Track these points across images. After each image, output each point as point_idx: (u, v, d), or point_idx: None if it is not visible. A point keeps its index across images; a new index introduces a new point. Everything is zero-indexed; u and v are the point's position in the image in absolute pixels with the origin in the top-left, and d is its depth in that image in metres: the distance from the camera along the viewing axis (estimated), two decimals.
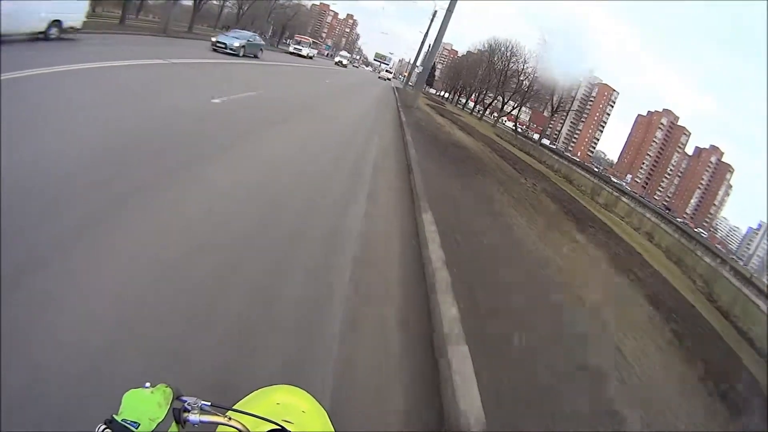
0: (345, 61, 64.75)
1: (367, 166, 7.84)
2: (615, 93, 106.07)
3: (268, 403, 1.32)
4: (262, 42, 24.97)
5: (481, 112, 58.50)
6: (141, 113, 6.35)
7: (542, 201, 9.52)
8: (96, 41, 12.30)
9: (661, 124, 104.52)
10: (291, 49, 44.89)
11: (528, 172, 14.65)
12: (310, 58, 47.52)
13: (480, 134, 23.96)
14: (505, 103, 49.08)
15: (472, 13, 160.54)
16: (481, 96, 55.68)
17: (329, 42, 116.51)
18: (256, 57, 22.83)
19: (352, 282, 3.73)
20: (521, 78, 46.30)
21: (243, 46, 20.85)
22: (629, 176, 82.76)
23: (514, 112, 51.05)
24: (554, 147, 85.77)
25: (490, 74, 51.04)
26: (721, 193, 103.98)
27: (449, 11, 21.64)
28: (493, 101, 52.78)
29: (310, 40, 49.06)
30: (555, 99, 43.57)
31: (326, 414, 1.40)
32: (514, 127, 49.85)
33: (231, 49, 19.87)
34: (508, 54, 47.53)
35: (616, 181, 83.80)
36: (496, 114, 56.27)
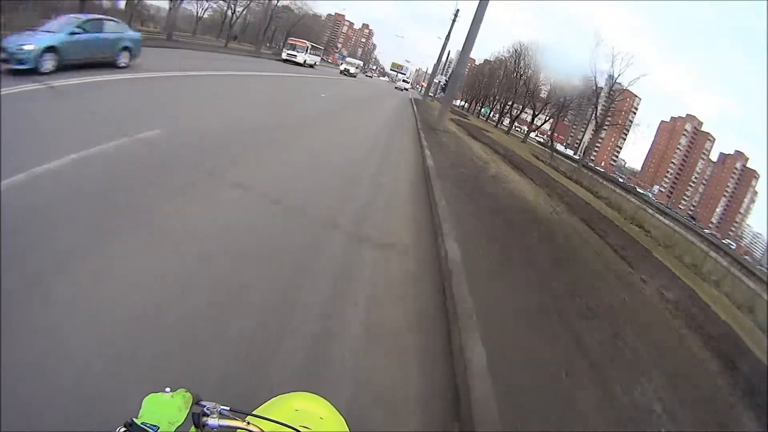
0: (353, 69, 53.62)
1: None
2: (637, 99, 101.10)
3: (287, 410, 1.28)
4: (130, 33, 13.01)
5: (508, 126, 54.07)
6: None
7: (682, 339, 5.30)
8: None
9: (685, 130, 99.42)
10: (284, 55, 36.44)
11: (617, 239, 10.28)
12: (311, 66, 39.49)
13: (526, 163, 19.62)
14: (536, 116, 44.55)
15: (487, 19, 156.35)
16: (507, 107, 51.32)
17: (344, 52, 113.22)
18: (114, 66, 11.72)
19: None
20: (549, 86, 41.88)
21: (51, 51, 9.45)
22: (656, 187, 77.63)
23: (546, 125, 46.82)
24: (579, 158, 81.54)
25: (517, 82, 46.67)
26: (746, 200, 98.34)
27: (479, 14, 17.54)
28: (520, 113, 48.48)
29: (308, 44, 39.23)
30: (598, 111, 39.05)
31: (344, 421, 1.35)
32: (549, 144, 45.01)
33: (18, 60, 8.81)
34: (535, 59, 43.04)
35: (641, 191, 79.25)
36: (522, 126, 52.02)
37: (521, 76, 45.53)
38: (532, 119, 45.79)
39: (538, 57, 43.33)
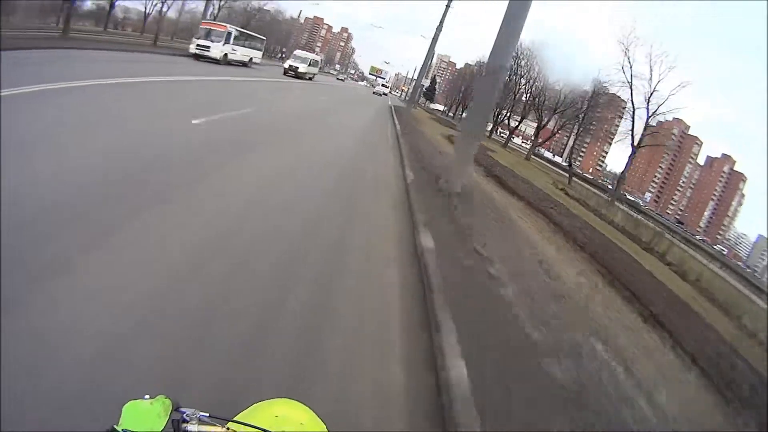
0: (303, 68, 33.11)
1: None
2: (624, 103, 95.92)
3: (267, 416, 1.20)
4: None
5: (504, 137, 47.05)
6: None
7: None
8: None
9: (673, 134, 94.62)
10: (192, 48, 22.36)
11: None
12: (242, 64, 26.29)
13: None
14: (542, 127, 37.35)
15: (464, 23, 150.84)
16: (502, 116, 44.28)
17: (322, 56, 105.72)
18: None
19: None
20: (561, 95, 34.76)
21: None
22: (648, 195, 72.14)
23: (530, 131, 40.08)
24: (568, 165, 75.75)
25: (516, 88, 39.47)
26: (734, 203, 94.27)
27: None
28: (519, 123, 41.62)
29: (232, 29, 24.23)
30: (638, 129, 31.96)
31: (325, 427, 1.29)
32: (568, 168, 37.29)
33: None
34: (539, 60, 35.85)
35: (631, 198, 73.77)
36: (520, 138, 45.23)
37: (521, 78, 38.66)
38: (536, 132, 38.38)
39: (542, 58, 36.28)
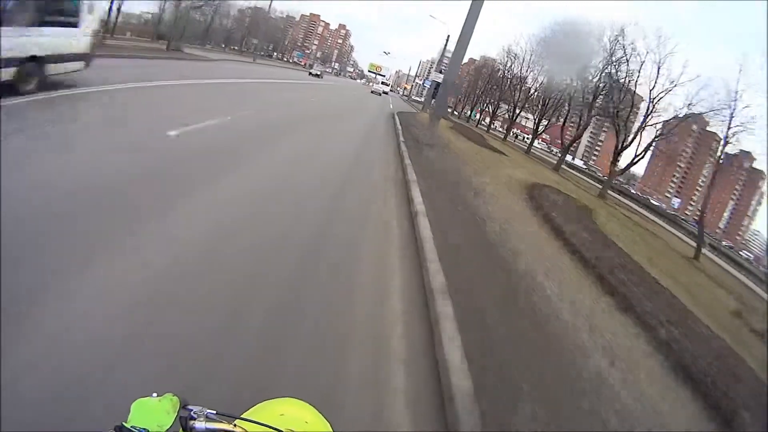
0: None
1: None
2: (640, 98, 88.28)
3: (272, 414, 1.19)
4: None
5: (524, 142, 39.36)
6: None
7: None
8: None
9: (692, 130, 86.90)
10: None
11: None
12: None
13: None
14: (625, 149, 28.44)
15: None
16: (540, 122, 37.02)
17: (317, 53, 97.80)
18: None
19: None
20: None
21: None
22: (677, 200, 64.18)
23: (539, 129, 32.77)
24: (585, 167, 67.70)
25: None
26: (753, 203, 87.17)
27: None
28: (539, 127, 34.28)
29: None
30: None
31: (329, 426, 1.26)
32: (699, 231, 22.72)
33: None
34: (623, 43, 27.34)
35: (656, 203, 65.76)
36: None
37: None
38: (620, 149, 28.92)
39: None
